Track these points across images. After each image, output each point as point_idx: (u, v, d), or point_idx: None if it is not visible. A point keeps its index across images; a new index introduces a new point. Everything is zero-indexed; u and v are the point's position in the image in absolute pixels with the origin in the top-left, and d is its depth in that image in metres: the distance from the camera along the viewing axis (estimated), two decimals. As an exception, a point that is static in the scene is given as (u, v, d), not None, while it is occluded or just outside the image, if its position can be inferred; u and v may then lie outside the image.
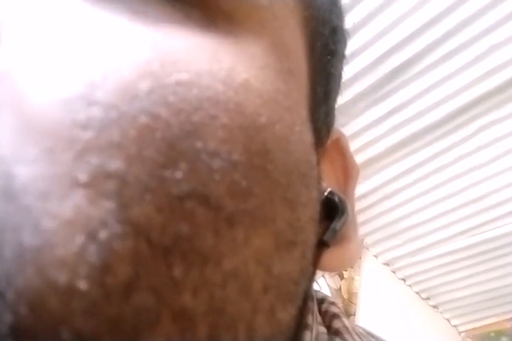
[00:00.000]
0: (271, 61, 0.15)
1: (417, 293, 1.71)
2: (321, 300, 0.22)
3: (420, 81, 1.13)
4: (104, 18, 0.12)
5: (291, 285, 0.13)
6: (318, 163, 0.17)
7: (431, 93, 1.14)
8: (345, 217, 0.19)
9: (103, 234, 0.09)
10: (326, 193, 0.19)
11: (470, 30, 1.02)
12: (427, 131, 1.22)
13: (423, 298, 1.72)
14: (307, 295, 0.15)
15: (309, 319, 0.18)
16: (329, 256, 0.18)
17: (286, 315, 0.13)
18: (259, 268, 0.11)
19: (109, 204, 0.09)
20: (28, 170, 0.09)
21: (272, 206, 0.12)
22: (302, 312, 0.15)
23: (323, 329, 0.19)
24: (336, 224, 0.18)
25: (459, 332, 1.79)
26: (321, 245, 0.17)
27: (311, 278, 0.16)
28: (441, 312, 1.76)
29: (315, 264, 0.17)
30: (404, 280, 1.68)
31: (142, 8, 0.13)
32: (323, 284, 1.39)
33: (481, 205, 1.37)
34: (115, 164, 0.10)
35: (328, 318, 0.20)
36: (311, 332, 0.17)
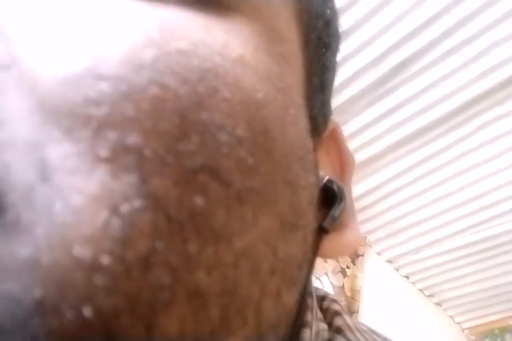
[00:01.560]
0: (263, 44, 0.15)
1: (421, 290, 1.71)
2: (322, 298, 0.22)
3: (421, 79, 1.13)
4: None
5: (295, 268, 0.13)
6: (315, 150, 0.18)
7: (431, 91, 1.14)
8: (344, 203, 0.19)
9: (125, 208, 0.09)
10: (324, 181, 0.19)
11: (470, 28, 1.02)
12: (428, 129, 1.22)
13: (426, 296, 1.72)
14: (307, 283, 0.15)
15: (309, 316, 0.18)
16: (329, 242, 0.18)
17: (291, 299, 0.13)
18: (267, 250, 0.12)
19: (130, 178, 0.09)
20: (56, 151, 0.09)
21: (274, 186, 0.13)
22: (302, 301, 0.15)
23: (323, 326, 0.19)
24: (335, 211, 0.19)
25: (463, 329, 1.79)
26: (321, 231, 0.18)
27: (312, 265, 0.16)
28: (444, 310, 1.76)
29: (315, 250, 0.17)
30: (407, 277, 1.68)
31: None
32: (325, 282, 1.39)
33: (483, 202, 1.37)
34: (133, 138, 0.10)
35: (329, 315, 0.20)
36: (311, 329, 0.18)
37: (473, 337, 1.76)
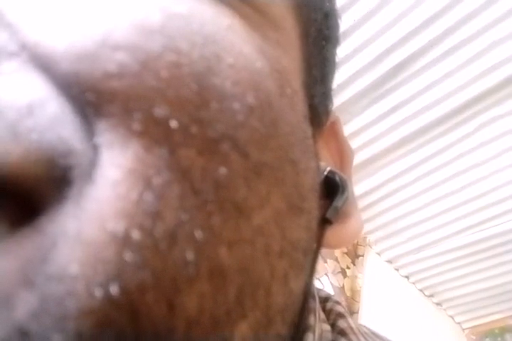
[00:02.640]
0: (253, 25, 0.15)
1: (421, 290, 1.71)
2: (325, 299, 0.22)
3: (420, 79, 1.13)
4: None
5: (301, 253, 0.13)
6: (316, 140, 0.18)
7: (431, 91, 1.14)
8: (346, 194, 0.19)
9: (157, 181, 0.09)
10: (325, 172, 0.19)
11: (470, 27, 1.02)
12: (428, 128, 1.22)
13: (426, 296, 1.72)
14: (312, 272, 0.16)
15: (311, 319, 0.18)
16: (332, 232, 0.18)
17: (297, 285, 0.13)
18: (277, 230, 0.12)
19: (161, 151, 0.10)
20: (97, 127, 0.09)
21: (282, 164, 0.13)
22: (308, 288, 0.15)
23: (326, 327, 0.19)
24: (338, 202, 0.19)
25: (463, 329, 1.79)
26: (324, 222, 0.18)
27: (316, 255, 0.17)
28: (444, 310, 1.76)
29: (319, 240, 0.17)
30: (407, 277, 1.68)
31: None
32: (326, 282, 1.39)
33: (483, 202, 1.37)
34: (160, 110, 0.10)
35: (332, 317, 0.20)
36: (314, 333, 0.18)
37: (474, 337, 1.76)
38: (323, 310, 0.21)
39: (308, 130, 0.16)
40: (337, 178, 0.19)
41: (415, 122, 1.21)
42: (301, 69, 0.18)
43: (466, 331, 1.78)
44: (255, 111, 0.12)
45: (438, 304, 1.74)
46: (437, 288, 1.69)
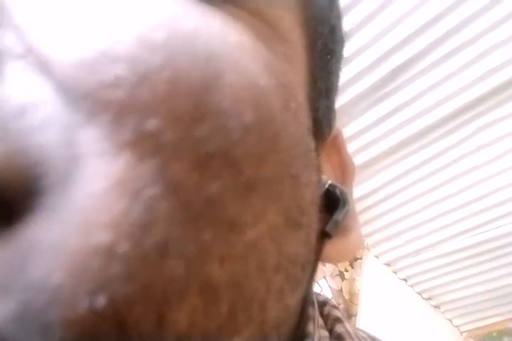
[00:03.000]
0: (262, 38, 0.15)
1: (419, 293, 1.71)
2: (323, 303, 0.22)
3: (420, 81, 1.13)
4: None
5: (299, 268, 0.13)
6: (318, 154, 0.18)
7: (431, 93, 1.14)
8: (347, 208, 0.19)
9: (146, 194, 0.09)
10: (326, 186, 0.19)
11: (470, 30, 1.02)
12: (427, 131, 1.22)
13: (424, 298, 1.72)
14: (310, 284, 0.15)
15: (310, 327, 0.18)
16: (332, 246, 0.18)
17: (294, 300, 0.13)
18: (272, 245, 0.12)
19: (152, 163, 0.09)
20: (85, 134, 0.09)
21: (280, 178, 0.13)
22: (306, 302, 0.15)
23: (324, 333, 0.19)
24: (338, 216, 0.19)
25: (461, 332, 1.79)
26: (324, 236, 0.18)
27: (315, 268, 0.16)
28: (442, 313, 1.76)
29: (318, 254, 0.17)
30: (405, 280, 1.68)
31: None
32: (324, 285, 1.39)
33: (481, 205, 1.37)
34: (152, 123, 0.10)
35: (330, 322, 0.20)
36: (313, 340, 0.17)
37: (472, 340, 1.76)
38: (321, 314, 0.21)
39: (312, 143, 0.16)
40: (338, 192, 0.19)
41: (414, 125, 1.21)
42: (306, 82, 0.18)
43: (464, 334, 1.78)
44: (253, 129, 0.12)
45: (436, 307, 1.74)
46: (435, 291, 1.69)
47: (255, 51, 0.14)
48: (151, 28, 0.11)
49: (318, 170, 0.17)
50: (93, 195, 0.09)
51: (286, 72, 0.15)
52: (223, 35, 0.13)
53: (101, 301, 0.08)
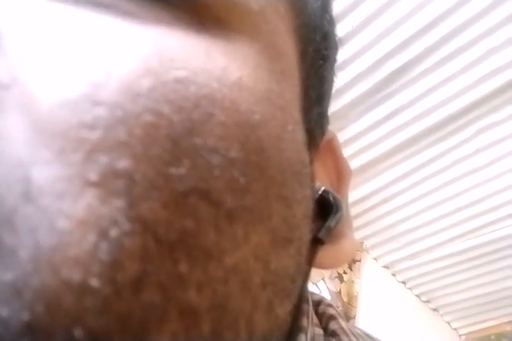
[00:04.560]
0: (263, 62, 0.15)
1: (417, 295, 1.71)
2: (318, 302, 0.22)
3: (418, 84, 1.13)
4: (100, 20, 0.12)
5: (288, 281, 0.13)
6: (312, 162, 0.18)
7: (429, 96, 1.15)
8: (340, 214, 0.19)
9: (114, 232, 0.09)
10: (320, 192, 0.19)
11: (467, 34, 1.03)
12: (426, 134, 1.22)
13: (423, 301, 1.72)
14: (303, 292, 0.15)
15: (304, 321, 0.18)
16: (324, 253, 0.18)
17: (283, 311, 0.13)
18: (258, 264, 0.12)
19: (119, 203, 0.09)
20: (43, 173, 0.09)
21: (268, 203, 0.13)
22: (298, 309, 0.15)
23: (319, 331, 0.19)
24: (331, 222, 0.19)
25: (460, 335, 1.78)
26: (317, 242, 0.18)
27: (307, 276, 0.16)
28: (441, 315, 1.75)
29: (310, 262, 0.17)
30: (404, 283, 1.68)
31: (137, 11, 0.13)
32: (322, 287, 1.39)
33: (480, 208, 1.37)
34: (123, 163, 0.10)
35: (324, 320, 0.21)
36: (306, 334, 0.18)
37: (470, 343, 1.76)
38: (316, 313, 0.21)
39: (307, 157, 0.16)
40: (331, 198, 0.19)
41: (412, 128, 1.22)
42: (300, 93, 0.17)
43: (463, 337, 1.78)
44: (237, 163, 0.12)
45: (435, 310, 1.74)
46: (434, 294, 1.69)
47: (255, 83, 0.14)
48: (139, 75, 0.11)
49: (313, 182, 0.17)
50: (54, 233, 0.09)
51: (284, 93, 0.15)
52: (223, 74, 0.13)
53: (78, 333, 0.08)
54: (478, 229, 1.44)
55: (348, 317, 1.39)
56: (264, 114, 0.13)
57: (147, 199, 0.10)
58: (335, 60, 0.23)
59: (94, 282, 0.09)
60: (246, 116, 0.13)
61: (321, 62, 0.20)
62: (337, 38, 0.23)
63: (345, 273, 1.47)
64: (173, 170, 0.10)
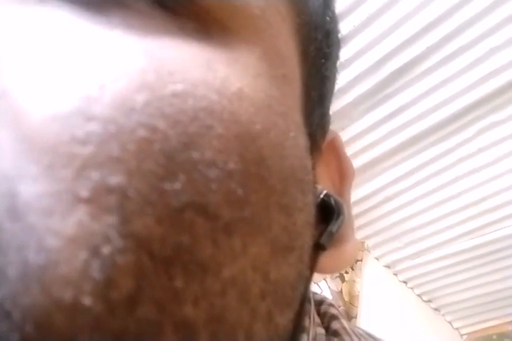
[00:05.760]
0: (264, 69, 0.15)
1: (419, 295, 1.71)
2: (320, 302, 0.22)
3: (420, 84, 1.13)
4: (97, 31, 0.12)
5: (288, 289, 0.13)
6: (314, 166, 0.17)
7: (431, 96, 1.15)
8: (342, 219, 0.19)
9: (106, 250, 0.09)
10: (321, 196, 0.19)
11: (469, 34, 1.03)
12: (427, 133, 1.22)
13: (424, 301, 1.72)
14: (304, 298, 0.15)
15: (306, 321, 0.18)
16: (326, 258, 0.18)
17: (284, 319, 0.13)
18: (257, 275, 0.12)
19: (111, 219, 0.09)
20: (30, 188, 0.09)
21: (268, 213, 0.12)
22: (300, 315, 0.15)
23: (321, 331, 0.20)
24: (333, 227, 0.18)
25: (461, 335, 1.78)
26: (318, 248, 0.18)
27: (308, 282, 0.16)
28: (443, 315, 1.75)
29: (312, 267, 0.17)
30: (405, 282, 1.68)
31: (136, 21, 0.13)
32: (324, 287, 1.39)
33: (481, 207, 1.37)
34: (116, 179, 0.10)
35: (326, 319, 0.21)
36: (308, 334, 0.18)
37: (472, 343, 1.76)
38: (318, 313, 0.21)
39: (309, 162, 0.16)
40: (333, 202, 0.19)
41: (414, 128, 1.22)
42: (301, 95, 0.17)
43: (464, 337, 1.78)
44: (235, 175, 0.11)
45: (436, 309, 1.74)
46: (436, 294, 1.69)
47: (255, 92, 0.14)
48: (135, 90, 0.11)
49: (315, 187, 0.17)
50: (43, 252, 0.08)
51: (286, 99, 0.15)
52: (223, 85, 0.13)
53: None
54: (480, 228, 1.44)
55: (350, 317, 1.39)
56: (265, 123, 0.13)
57: (141, 215, 0.09)
58: (337, 57, 0.22)
59: (87, 300, 0.08)
60: (246, 127, 0.12)
61: (323, 60, 0.20)
62: (340, 35, 0.22)
63: (346, 272, 1.47)
64: (167, 185, 0.10)
